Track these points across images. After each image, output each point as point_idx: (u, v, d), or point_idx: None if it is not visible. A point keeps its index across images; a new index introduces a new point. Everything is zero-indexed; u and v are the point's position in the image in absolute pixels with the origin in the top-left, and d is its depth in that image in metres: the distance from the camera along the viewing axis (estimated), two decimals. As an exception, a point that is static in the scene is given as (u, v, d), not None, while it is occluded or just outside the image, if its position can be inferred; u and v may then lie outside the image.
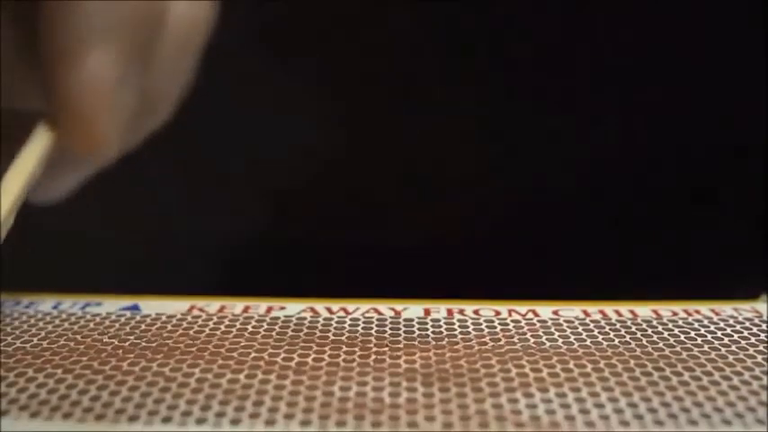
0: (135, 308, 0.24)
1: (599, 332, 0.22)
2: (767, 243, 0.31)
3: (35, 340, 0.21)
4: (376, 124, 0.23)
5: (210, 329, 0.22)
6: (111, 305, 0.24)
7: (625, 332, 0.22)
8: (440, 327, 0.22)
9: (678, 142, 0.31)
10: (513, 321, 0.23)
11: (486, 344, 0.21)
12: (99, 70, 0.20)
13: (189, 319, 0.23)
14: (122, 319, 0.23)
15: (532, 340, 0.21)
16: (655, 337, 0.22)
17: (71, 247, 0.33)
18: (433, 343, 0.21)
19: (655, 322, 0.23)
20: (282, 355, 0.20)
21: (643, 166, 0.31)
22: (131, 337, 0.21)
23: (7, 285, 0.25)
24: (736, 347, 0.21)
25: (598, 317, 0.23)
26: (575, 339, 0.21)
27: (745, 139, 0.31)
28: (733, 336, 0.22)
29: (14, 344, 0.21)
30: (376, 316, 0.23)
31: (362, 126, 0.24)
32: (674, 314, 0.23)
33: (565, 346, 0.21)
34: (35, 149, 0.20)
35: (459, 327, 0.22)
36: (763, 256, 0.30)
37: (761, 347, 0.21)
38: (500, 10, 0.29)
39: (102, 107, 0.20)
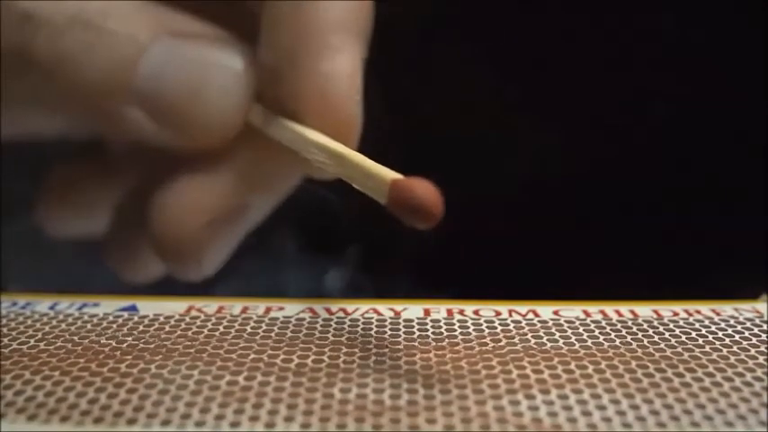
0: (132, 308, 0.23)
1: (600, 332, 0.22)
2: (767, 243, 0.31)
3: (32, 342, 0.21)
4: (375, 123, 0.23)
5: (209, 330, 0.22)
6: (108, 305, 0.24)
7: (626, 332, 0.22)
8: (440, 327, 0.22)
9: (678, 142, 0.31)
10: (513, 322, 0.22)
11: (486, 344, 0.21)
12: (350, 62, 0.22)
13: (187, 319, 0.22)
14: (120, 320, 0.23)
15: (533, 341, 0.21)
16: (656, 338, 0.21)
17: (69, 247, 0.33)
18: (434, 344, 0.21)
19: (656, 322, 0.22)
20: (282, 357, 0.20)
21: (643, 166, 0.31)
22: (129, 339, 0.21)
23: (6, 286, 0.25)
24: (738, 348, 0.21)
25: (599, 317, 0.23)
26: (576, 340, 0.21)
27: (745, 139, 0.31)
28: (734, 336, 0.22)
29: (11, 345, 0.21)
30: (375, 316, 0.23)
31: (362, 125, 0.24)
32: (675, 314, 0.23)
33: (566, 347, 0.21)
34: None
35: (460, 327, 0.22)
36: (763, 256, 0.30)
37: (762, 348, 0.21)
38: (500, 9, 0.29)
39: (351, 94, 0.22)
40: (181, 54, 0.22)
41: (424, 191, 0.18)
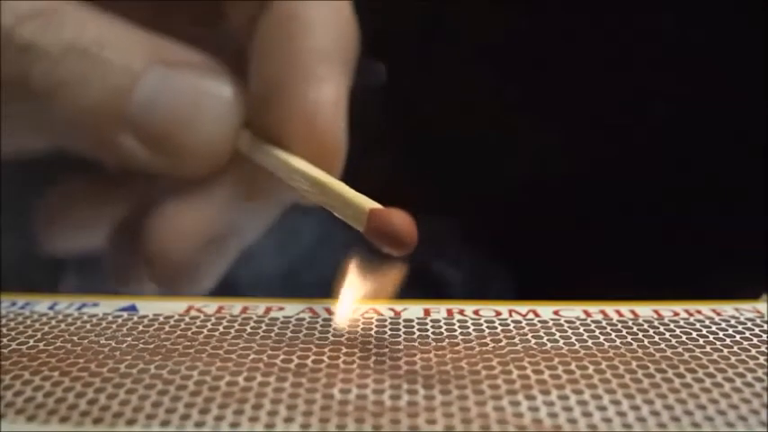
0: (132, 308, 0.23)
1: (600, 332, 0.22)
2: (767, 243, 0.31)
3: (31, 342, 0.21)
4: (375, 123, 0.24)
5: (209, 330, 0.22)
6: (107, 305, 0.24)
7: (627, 332, 0.22)
8: (440, 327, 0.22)
9: (678, 142, 0.31)
10: (513, 322, 0.22)
11: (486, 344, 0.21)
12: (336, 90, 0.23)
13: (187, 319, 0.22)
14: (120, 320, 0.22)
15: (534, 341, 0.21)
16: (656, 338, 0.21)
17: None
18: (434, 344, 0.21)
19: (656, 322, 0.22)
20: (282, 357, 0.20)
21: (643, 166, 0.31)
22: (128, 339, 0.21)
23: (6, 285, 0.25)
24: (738, 348, 0.21)
25: (599, 317, 0.23)
26: (576, 340, 0.21)
27: (745, 139, 0.31)
28: (735, 336, 0.22)
29: (10, 345, 0.21)
30: (375, 316, 0.23)
31: (361, 125, 0.24)
32: (676, 314, 0.23)
33: (566, 347, 0.21)
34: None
35: (460, 327, 0.22)
36: (763, 256, 0.30)
37: (763, 348, 0.21)
38: (501, 10, 0.29)
39: (336, 121, 0.23)
40: (173, 83, 0.22)
41: (400, 221, 0.19)
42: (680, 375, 0.19)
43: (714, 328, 0.22)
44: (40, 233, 0.26)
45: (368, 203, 0.20)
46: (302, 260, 0.29)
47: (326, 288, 0.23)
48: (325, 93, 0.23)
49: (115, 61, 0.22)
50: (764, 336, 0.22)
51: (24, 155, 0.24)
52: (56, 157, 0.24)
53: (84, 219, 0.26)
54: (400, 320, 0.22)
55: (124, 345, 0.21)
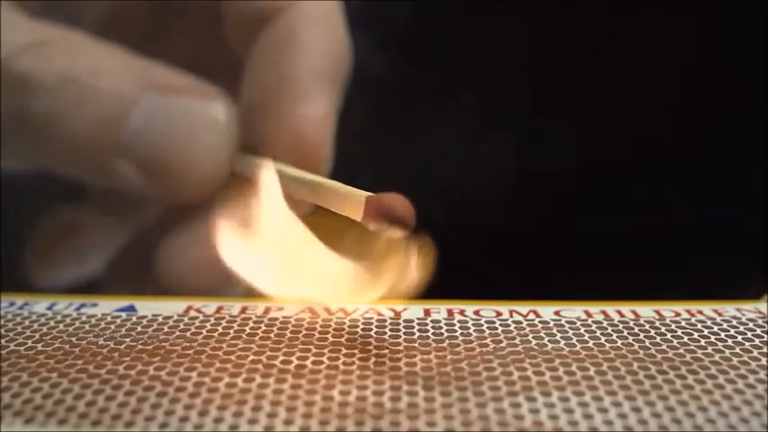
0: (131, 308, 0.23)
1: (601, 333, 0.22)
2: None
3: (29, 343, 0.21)
4: (375, 123, 0.24)
5: (208, 331, 0.22)
6: (106, 306, 0.23)
7: (628, 333, 0.22)
8: (440, 328, 0.22)
9: (678, 142, 0.31)
10: (514, 322, 0.22)
11: (487, 345, 0.21)
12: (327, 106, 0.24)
13: (186, 320, 0.22)
14: (118, 321, 0.22)
15: (534, 341, 0.21)
16: (657, 339, 0.21)
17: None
18: (434, 345, 0.21)
19: (657, 323, 0.22)
20: (281, 358, 0.20)
21: (643, 165, 0.31)
22: (127, 340, 0.21)
23: (6, 286, 0.25)
24: (740, 349, 0.21)
25: (600, 317, 0.23)
26: (577, 341, 0.21)
27: (745, 139, 0.31)
28: (737, 337, 0.21)
29: (8, 347, 0.21)
30: (375, 317, 0.23)
31: (360, 125, 0.24)
32: (677, 314, 0.23)
33: (567, 348, 0.21)
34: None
35: (460, 328, 0.22)
36: (765, 256, 0.30)
37: (765, 349, 0.21)
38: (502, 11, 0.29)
39: (323, 135, 0.24)
40: (167, 109, 0.23)
41: (396, 201, 0.19)
42: (681, 376, 0.19)
43: (716, 328, 0.22)
44: (33, 264, 0.26)
45: (363, 193, 0.20)
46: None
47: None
48: (314, 109, 0.24)
49: (108, 89, 0.22)
50: (766, 336, 0.21)
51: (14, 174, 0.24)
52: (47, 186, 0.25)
53: (79, 248, 0.27)
54: (400, 321, 0.22)
55: (123, 345, 0.21)
